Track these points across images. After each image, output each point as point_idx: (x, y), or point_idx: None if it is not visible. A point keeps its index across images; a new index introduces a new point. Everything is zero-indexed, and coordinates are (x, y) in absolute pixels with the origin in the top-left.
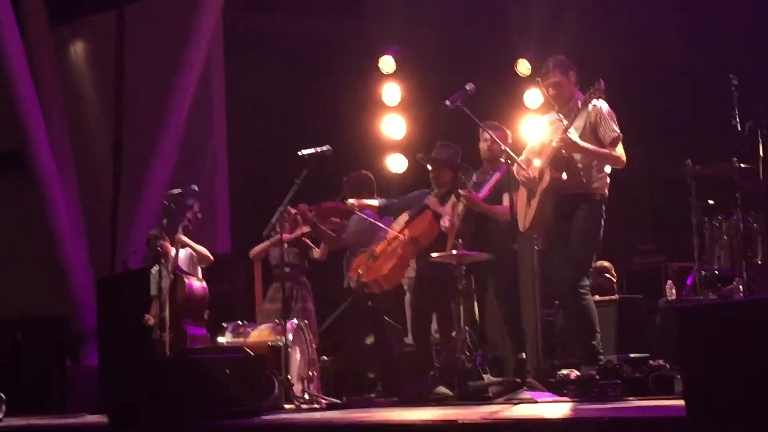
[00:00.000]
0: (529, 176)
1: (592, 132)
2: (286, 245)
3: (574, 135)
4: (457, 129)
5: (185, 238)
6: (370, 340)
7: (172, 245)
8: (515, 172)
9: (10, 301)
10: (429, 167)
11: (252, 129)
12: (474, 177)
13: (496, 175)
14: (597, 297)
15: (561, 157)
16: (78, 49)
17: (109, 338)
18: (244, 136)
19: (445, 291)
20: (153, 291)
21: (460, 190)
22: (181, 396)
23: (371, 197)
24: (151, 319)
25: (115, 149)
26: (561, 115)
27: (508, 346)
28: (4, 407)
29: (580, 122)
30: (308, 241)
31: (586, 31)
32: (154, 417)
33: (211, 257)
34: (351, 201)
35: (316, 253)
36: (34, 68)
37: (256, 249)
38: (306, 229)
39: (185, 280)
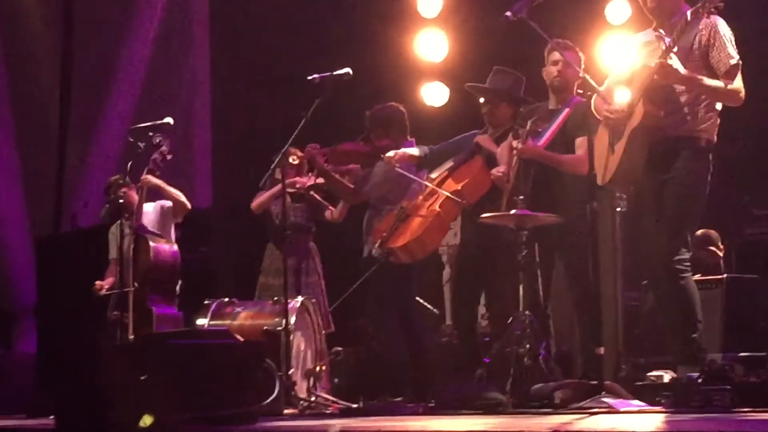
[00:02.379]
0: (613, 112)
1: (702, 56)
2: (289, 200)
3: (676, 60)
4: (516, 50)
5: (155, 179)
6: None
7: (139, 195)
8: (594, 107)
9: None
10: (481, 100)
11: (245, 49)
12: (529, 124)
13: (564, 112)
14: (699, 276)
15: (658, 88)
16: None
17: (51, 317)
18: (234, 58)
19: (499, 263)
20: (113, 253)
21: (513, 142)
22: (150, 395)
23: (402, 138)
24: (104, 287)
25: (63, 75)
26: (662, 32)
27: (579, 338)
28: None
29: (686, 42)
30: (318, 197)
31: None
32: (115, 422)
33: (188, 204)
34: (390, 154)
35: (331, 212)
36: None
37: (261, 199)
38: (317, 180)
39: (150, 243)
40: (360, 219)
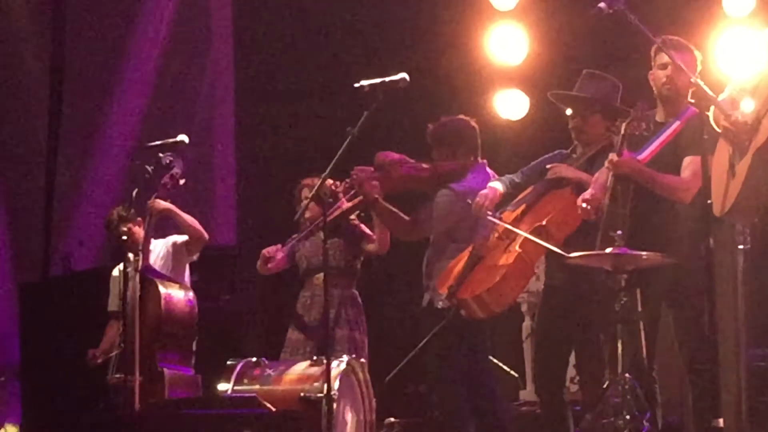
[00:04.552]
0: (735, 125)
1: None
2: (321, 235)
3: None
4: (612, 51)
5: (165, 203)
6: None
7: (146, 227)
8: (713, 120)
9: None
10: (568, 112)
11: (277, 51)
12: (623, 128)
13: (675, 126)
14: None
15: None
16: None
17: (39, 382)
18: (264, 62)
19: (592, 315)
20: (112, 305)
21: (611, 155)
22: None
23: (472, 159)
24: (98, 357)
25: (53, 83)
26: None
27: (693, 408)
28: None
29: None
30: (360, 224)
31: None
32: None
33: (204, 234)
34: (478, 200)
35: (372, 243)
36: None
37: (273, 263)
38: (351, 202)
39: (161, 288)
40: (413, 255)
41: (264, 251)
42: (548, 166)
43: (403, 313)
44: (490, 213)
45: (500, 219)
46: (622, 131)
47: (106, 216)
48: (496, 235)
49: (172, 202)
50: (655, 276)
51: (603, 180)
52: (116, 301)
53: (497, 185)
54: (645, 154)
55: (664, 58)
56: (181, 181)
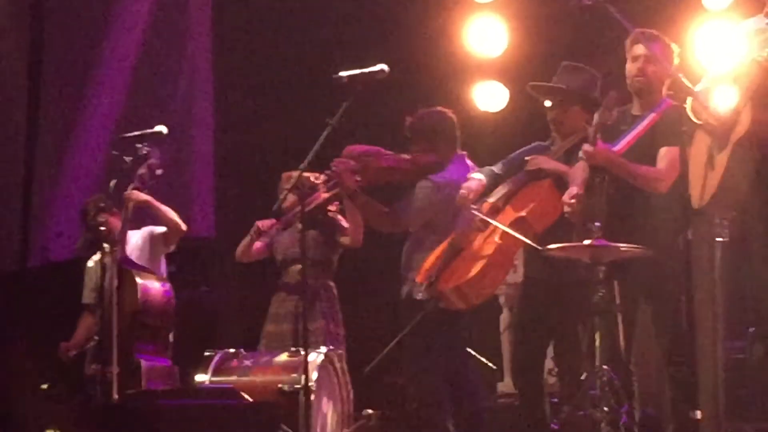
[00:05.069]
0: (713, 118)
1: None
2: (299, 225)
3: None
4: (591, 43)
5: (142, 194)
6: None
7: (123, 218)
8: (690, 111)
9: None
10: (547, 103)
11: (256, 41)
12: (596, 117)
13: (650, 117)
14: None
15: None
16: None
17: (15, 372)
18: (243, 52)
19: (570, 307)
20: (86, 297)
21: (585, 146)
22: None
23: (451, 151)
24: (71, 350)
25: (31, 75)
26: None
27: (670, 399)
28: None
29: None
30: (337, 216)
31: None
32: None
33: (183, 225)
34: (463, 192)
35: (346, 236)
36: None
37: (242, 246)
38: (328, 193)
39: (137, 279)
40: (392, 246)
41: (258, 222)
42: (527, 158)
43: (381, 304)
44: (473, 205)
45: (481, 211)
46: (595, 121)
47: (83, 206)
48: (476, 226)
49: (150, 193)
50: (633, 268)
51: (581, 175)
52: (90, 293)
53: (479, 176)
54: (620, 145)
55: (638, 49)
56: (158, 172)
